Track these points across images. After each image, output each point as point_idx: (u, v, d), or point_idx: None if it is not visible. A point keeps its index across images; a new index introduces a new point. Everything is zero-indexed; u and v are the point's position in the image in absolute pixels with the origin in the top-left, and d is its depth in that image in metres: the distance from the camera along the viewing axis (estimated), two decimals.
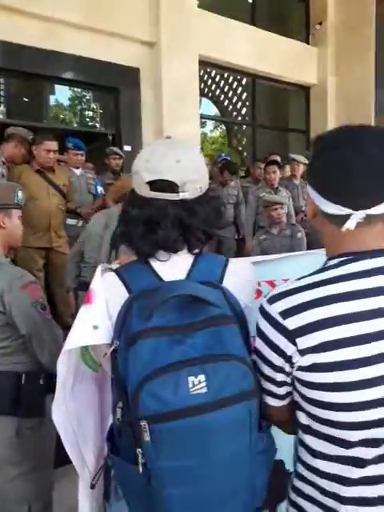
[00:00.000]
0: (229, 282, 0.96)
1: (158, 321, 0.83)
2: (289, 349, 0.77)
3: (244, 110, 8.13)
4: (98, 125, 6.19)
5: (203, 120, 8.76)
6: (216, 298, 0.87)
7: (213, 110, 9.26)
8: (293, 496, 0.87)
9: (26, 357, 1.50)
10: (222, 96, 8.51)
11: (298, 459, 0.86)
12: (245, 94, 7.81)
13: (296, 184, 4.78)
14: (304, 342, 0.75)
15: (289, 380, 0.82)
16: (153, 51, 5.59)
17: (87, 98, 6.30)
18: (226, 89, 8.28)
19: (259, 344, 0.83)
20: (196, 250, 0.99)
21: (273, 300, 0.80)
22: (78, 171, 3.99)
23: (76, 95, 6.23)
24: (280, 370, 0.81)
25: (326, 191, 0.79)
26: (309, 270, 0.83)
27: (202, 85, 7.73)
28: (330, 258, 0.83)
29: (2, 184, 2.08)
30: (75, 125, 6.10)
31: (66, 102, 6.17)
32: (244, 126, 7.94)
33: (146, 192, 0.95)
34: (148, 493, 0.80)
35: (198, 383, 0.78)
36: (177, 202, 0.94)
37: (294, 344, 0.76)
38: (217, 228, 1.02)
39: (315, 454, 0.80)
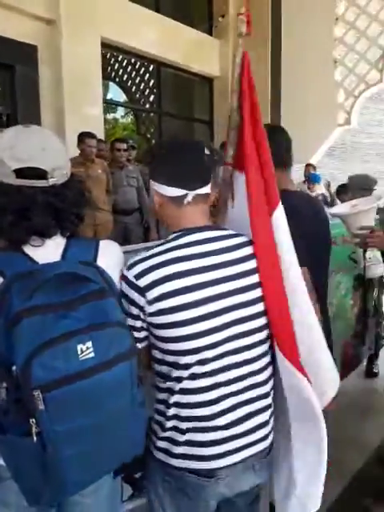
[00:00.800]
0: (102, 262, 1.04)
1: (41, 299, 0.88)
2: (141, 301, 1.02)
3: (151, 98, 8.14)
4: None
5: (112, 105, 8.63)
6: (93, 275, 0.96)
7: (122, 96, 9.14)
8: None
9: None
10: (130, 82, 8.42)
11: (155, 388, 1.10)
12: (152, 82, 7.82)
13: None
14: (151, 294, 1.01)
15: (145, 326, 1.05)
16: (52, 28, 5.37)
17: None
18: (133, 75, 8.20)
19: (123, 302, 1.04)
20: (68, 233, 1.05)
21: (130, 267, 1.04)
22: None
23: None
24: (137, 317, 1.04)
25: (170, 181, 1.07)
26: None
27: (109, 68, 7.58)
28: (172, 233, 1.09)
29: None
30: None
31: None
32: (152, 114, 7.96)
33: (12, 180, 0.96)
34: (43, 461, 0.85)
35: (86, 349, 0.86)
36: (46, 189, 0.98)
37: (144, 297, 1.01)
38: (84, 209, 1.08)
39: (164, 377, 1.07)
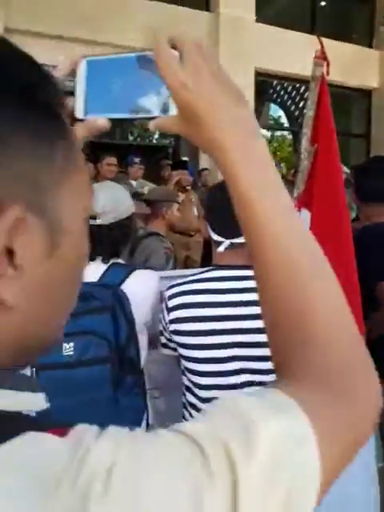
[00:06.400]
0: (128, 285, 1.28)
1: None
2: (166, 319, 1.21)
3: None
4: (159, 140, 6.70)
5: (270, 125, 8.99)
6: (103, 295, 1.22)
7: (277, 114, 9.46)
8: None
9: None
10: (285, 103, 8.69)
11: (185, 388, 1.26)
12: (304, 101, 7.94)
13: None
14: (171, 315, 1.19)
15: (171, 338, 1.23)
16: None
17: None
18: (287, 96, 8.45)
19: (160, 315, 1.25)
20: (105, 261, 1.32)
21: (168, 288, 1.23)
22: (134, 183, 4.50)
23: None
24: (165, 330, 1.24)
25: (212, 226, 1.20)
26: None
27: (264, 93, 7.97)
28: (209, 266, 1.23)
29: None
30: (139, 140, 6.68)
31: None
32: None
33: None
34: None
35: (68, 348, 1.17)
36: (95, 226, 1.29)
37: (168, 316, 1.20)
38: (123, 246, 1.38)
39: (187, 389, 1.22)
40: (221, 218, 1.15)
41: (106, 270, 1.32)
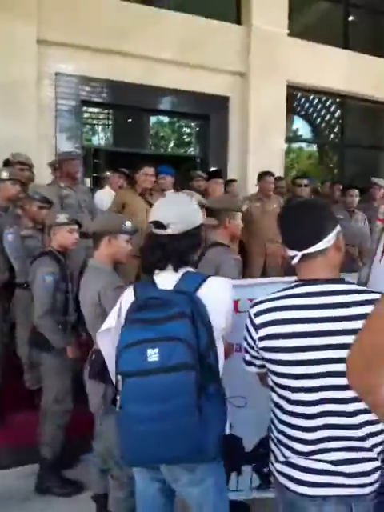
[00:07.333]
0: (203, 292, 1.31)
1: (138, 315, 1.27)
2: (254, 335, 1.23)
3: (336, 129, 8.16)
4: (188, 150, 6.74)
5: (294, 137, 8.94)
6: (181, 301, 1.25)
7: (306, 129, 9.39)
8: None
9: None
10: (314, 116, 8.62)
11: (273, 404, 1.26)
12: (337, 114, 7.86)
13: (374, 207, 4.80)
14: (261, 332, 1.21)
15: (259, 356, 1.25)
16: (242, 80, 6.02)
17: (180, 125, 6.90)
18: (317, 109, 8.39)
19: (245, 333, 1.26)
20: (177, 269, 1.36)
21: (253, 305, 1.26)
22: (169, 194, 4.46)
23: (170, 123, 6.86)
24: (252, 347, 1.26)
25: (284, 242, 1.26)
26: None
27: (295, 103, 7.94)
28: (294, 281, 1.25)
29: (112, 215, 2.66)
30: (168, 150, 6.73)
31: (162, 130, 6.85)
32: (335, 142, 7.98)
33: (150, 228, 1.40)
34: (122, 428, 1.23)
35: (153, 354, 1.17)
36: (164, 236, 1.35)
37: (257, 333, 1.22)
38: (192, 255, 1.41)
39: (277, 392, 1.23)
40: (291, 233, 1.23)
41: (180, 278, 1.35)
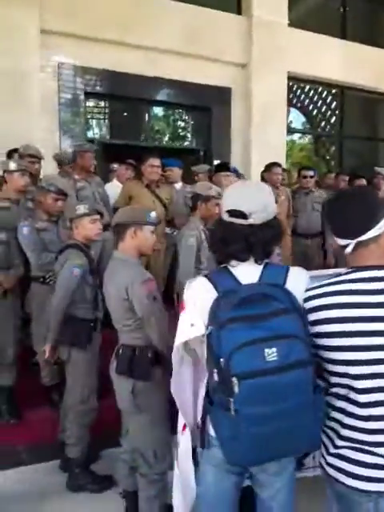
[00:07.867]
0: (289, 285, 1.28)
1: (239, 312, 1.17)
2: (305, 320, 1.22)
3: (333, 119, 8.17)
4: (191, 142, 6.67)
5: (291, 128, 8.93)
6: (280, 296, 1.21)
7: (300, 119, 9.37)
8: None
9: (141, 334, 1.97)
10: (311, 107, 8.61)
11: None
12: (333, 104, 7.86)
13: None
14: (310, 317, 1.22)
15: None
16: (244, 71, 5.98)
17: (183, 117, 6.82)
18: (314, 99, 8.38)
19: None
20: (260, 261, 1.32)
21: (306, 290, 1.27)
22: (177, 186, 4.44)
23: (173, 115, 6.78)
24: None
25: (335, 232, 1.26)
26: None
27: (291, 95, 7.92)
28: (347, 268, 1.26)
29: (137, 207, 2.57)
30: (171, 143, 6.65)
31: (164, 122, 6.76)
32: (332, 133, 7.98)
33: (226, 217, 1.33)
34: (235, 432, 1.16)
35: (271, 353, 1.12)
36: (246, 226, 1.30)
37: (307, 318, 1.21)
38: (274, 245, 1.37)
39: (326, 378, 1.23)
40: (341, 222, 1.24)
41: (264, 270, 1.32)
